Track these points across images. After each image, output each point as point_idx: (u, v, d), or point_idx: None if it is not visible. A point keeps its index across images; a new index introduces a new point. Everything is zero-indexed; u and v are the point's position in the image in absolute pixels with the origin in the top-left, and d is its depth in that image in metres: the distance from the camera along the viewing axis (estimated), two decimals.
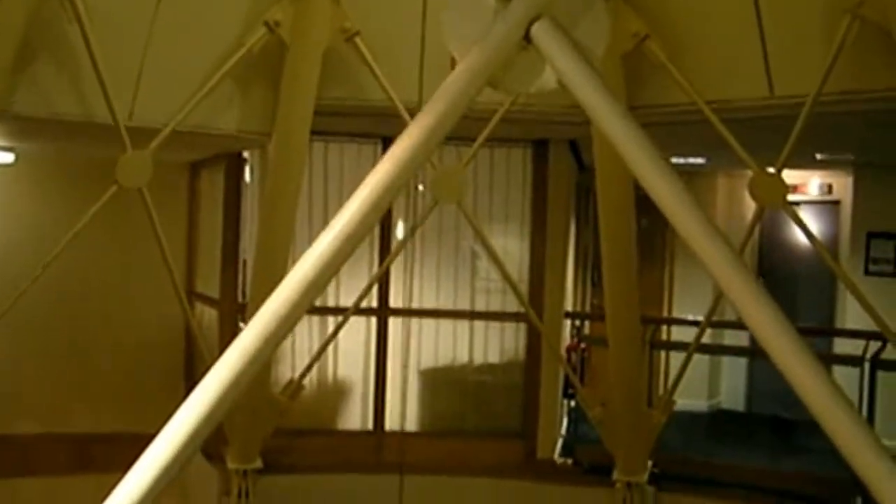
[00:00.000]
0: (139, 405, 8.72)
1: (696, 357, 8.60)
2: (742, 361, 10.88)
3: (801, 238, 10.41)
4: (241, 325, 7.61)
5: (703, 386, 10.71)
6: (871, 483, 2.71)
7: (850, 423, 2.63)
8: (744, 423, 10.62)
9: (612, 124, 2.46)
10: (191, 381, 9.28)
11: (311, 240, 2.35)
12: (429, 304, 8.63)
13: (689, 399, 10.20)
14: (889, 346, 7.19)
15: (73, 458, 8.98)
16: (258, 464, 7.85)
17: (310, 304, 2.36)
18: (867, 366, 7.55)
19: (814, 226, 8.86)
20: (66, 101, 6.17)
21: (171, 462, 2.41)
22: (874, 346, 7.63)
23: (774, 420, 10.26)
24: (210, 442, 8.17)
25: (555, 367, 8.30)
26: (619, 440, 7.37)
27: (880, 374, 7.59)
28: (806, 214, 9.47)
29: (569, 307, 9.04)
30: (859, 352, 7.82)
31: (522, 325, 8.49)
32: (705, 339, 9.07)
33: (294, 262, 2.41)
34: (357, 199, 2.35)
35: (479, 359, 8.73)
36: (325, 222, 2.36)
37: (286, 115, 6.77)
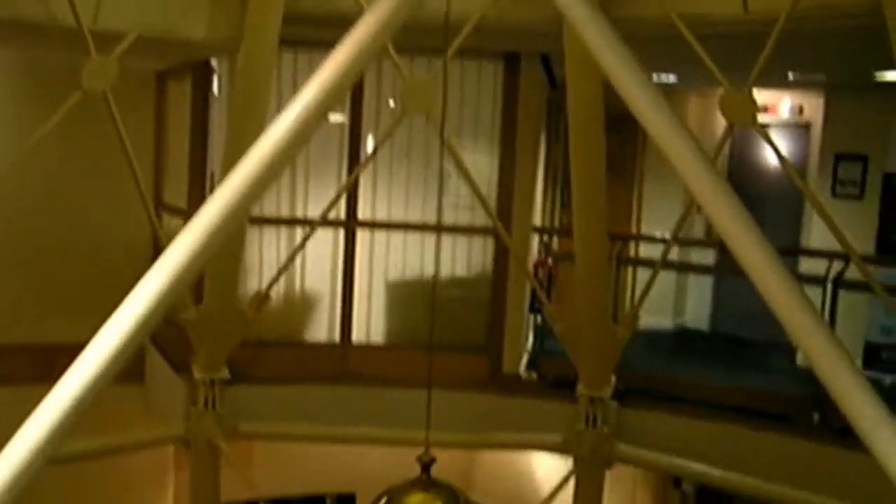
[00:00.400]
0: (106, 315, 8.68)
1: (663, 276, 8.66)
2: (707, 282, 10.97)
3: (770, 159, 10.47)
4: None
5: (668, 305, 10.80)
6: (836, 392, 2.75)
7: (816, 331, 2.67)
8: (708, 342, 10.75)
9: (589, 29, 2.43)
10: None
11: None
12: (397, 217, 8.61)
13: (655, 317, 10.30)
14: (851, 266, 7.27)
15: (39, 368, 8.94)
16: (225, 374, 7.88)
17: (246, 210, 2.33)
18: (830, 286, 7.62)
19: (784, 147, 8.87)
20: (29, 1, 6.03)
21: (104, 369, 2.41)
22: (837, 266, 7.70)
23: (737, 340, 10.40)
24: (176, 352, 8.22)
25: (522, 282, 8.34)
26: (584, 355, 7.46)
27: (842, 294, 7.68)
28: (777, 136, 9.46)
29: (537, 223, 9.05)
30: (823, 272, 7.90)
31: (490, 240, 8.50)
32: (673, 258, 9.17)
33: None
34: (297, 105, 2.32)
35: (446, 273, 8.75)
36: None
37: (255, 23, 6.65)
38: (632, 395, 7.98)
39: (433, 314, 6.85)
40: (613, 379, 7.80)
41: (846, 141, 9.98)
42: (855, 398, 2.60)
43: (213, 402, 7.90)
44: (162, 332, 8.83)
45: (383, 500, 3.59)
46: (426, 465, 3.37)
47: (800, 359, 9.02)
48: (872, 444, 2.53)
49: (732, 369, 9.11)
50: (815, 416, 7.26)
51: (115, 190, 8.14)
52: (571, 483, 7.91)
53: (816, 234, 9.09)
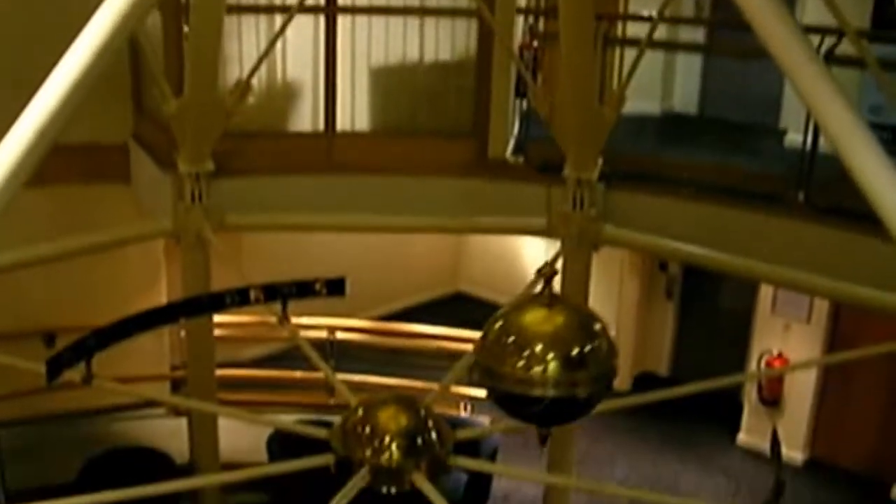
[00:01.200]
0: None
1: (651, 58, 8.50)
2: (697, 64, 10.79)
3: None
4: (185, 27, 7.34)
5: (656, 89, 10.65)
6: (845, 153, 2.73)
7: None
8: (696, 126, 10.67)
9: None
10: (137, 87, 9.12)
11: None
12: (379, 1, 8.37)
13: (642, 102, 10.18)
14: (844, 42, 7.11)
15: None
16: (209, 167, 7.82)
17: None
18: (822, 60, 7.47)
19: None
20: None
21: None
22: (830, 41, 7.53)
23: (726, 123, 10.34)
24: (161, 150, 8.14)
25: (507, 65, 8.17)
26: (571, 137, 7.38)
27: (833, 69, 7.55)
28: None
29: (522, 3, 8.79)
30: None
31: (474, 23, 8.28)
32: (662, 38, 8.97)
33: None
34: None
35: (430, 57, 8.57)
36: None
37: None
38: (619, 178, 7.97)
39: None
40: (600, 161, 7.76)
41: None
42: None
43: (199, 196, 7.89)
44: (146, 130, 8.77)
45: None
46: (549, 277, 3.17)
47: (787, 141, 9.00)
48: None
49: (720, 151, 9.09)
50: (801, 196, 7.28)
51: None
52: (559, 266, 8.01)
53: (811, 10, 8.85)
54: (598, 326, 3.13)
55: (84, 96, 3.41)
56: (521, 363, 2.96)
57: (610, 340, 3.11)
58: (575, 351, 2.98)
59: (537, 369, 2.94)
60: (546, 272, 3.19)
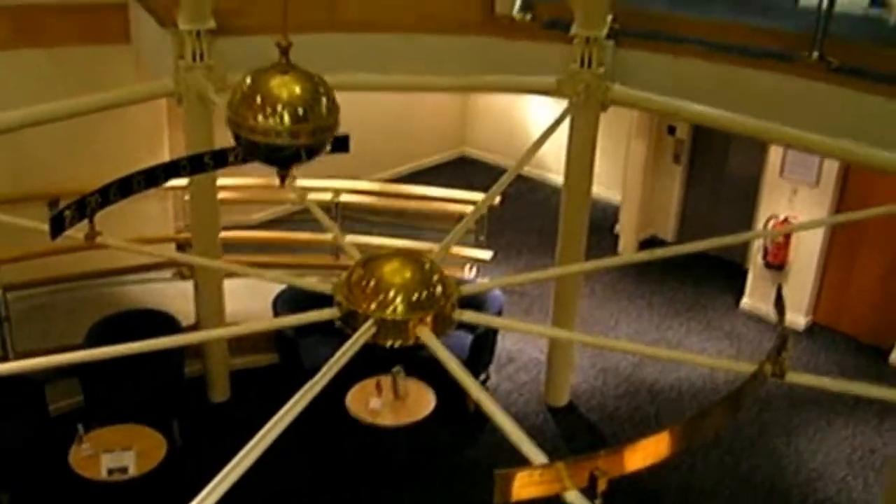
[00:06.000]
0: None
1: None
2: None
3: None
4: None
5: None
6: None
7: None
8: None
9: None
10: None
11: None
12: None
13: None
14: None
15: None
16: (211, 24, 7.69)
17: None
18: None
19: None
20: None
21: None
22: None
23: None
24: (161, 6, 7.95)
25: None
26: None
27: None
28: None
29: None
30: None
31: None
32: None
33: None
34: None
35: None
36: None
37: None
38: (628, 36, 7.80)
39: None
40: (609, 19, 7.57)
41: None
42: None
43: (200, 55, 7.75)
44: None
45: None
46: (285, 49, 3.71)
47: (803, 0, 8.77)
48: None
49: (732, 10, 8.84)
50: (815, 55, 7.11)
51: None
52: (566, 127, 7.91)
53: None
54: (322, 90, 3.67)
55: None
56: (259, 116, 3.57)
57: (332, 102, 3.69)
58: (300, 109, 3.58)
59: (272, 121, 3.57)
60: (283, 45, 3.71)
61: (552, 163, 13.40)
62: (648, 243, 12.68)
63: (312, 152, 3.75)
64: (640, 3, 8.58)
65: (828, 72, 6.99)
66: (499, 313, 9.19)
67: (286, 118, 3.58)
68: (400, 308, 3.72)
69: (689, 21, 7.99)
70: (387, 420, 8.03)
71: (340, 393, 8.06)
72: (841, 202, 10.27)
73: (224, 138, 7.70)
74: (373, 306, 3.73)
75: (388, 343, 3.78)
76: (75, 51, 8.84)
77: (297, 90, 3.63)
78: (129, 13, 9.02)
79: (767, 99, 7.25)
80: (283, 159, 3.75)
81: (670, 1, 9.53)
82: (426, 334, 3.73)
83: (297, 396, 3.40)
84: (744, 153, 11.63)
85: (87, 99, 7.79)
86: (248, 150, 3.76)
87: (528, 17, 8.20)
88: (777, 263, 10.78)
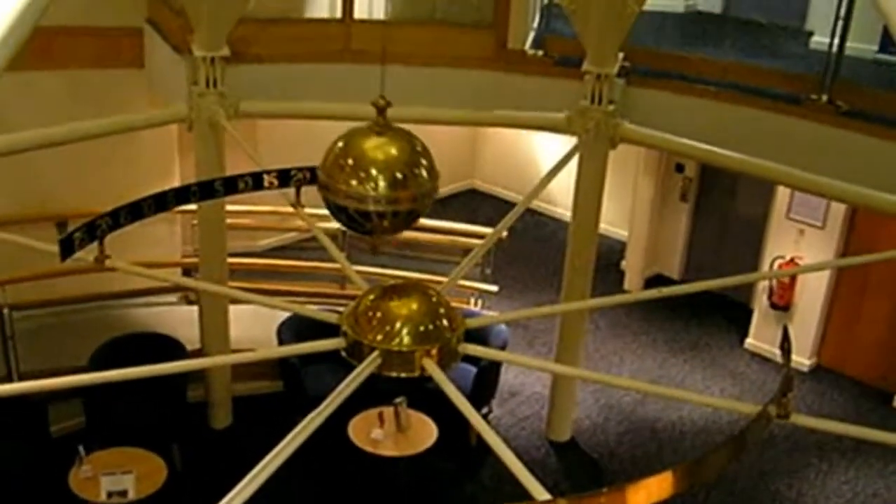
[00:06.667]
0: None
1: None
2: None
3: None
4: None
5: None
6: None
7: None
8: (719, 25, 10.46)
9: None
10: None
11: None
12: None
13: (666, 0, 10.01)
14: None
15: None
16: (225, 51, 7.74)
17: None
18: None
19: None
20: None
21: None
22: None
23: (751, 23, 10.13)
24: (176, 33, 8.02)
25: None
26: (591, 30, 7.25)
27: None
28: None
29: None
30: None
31: None
32: None
33: None
34: None
35: None
36: None
37: None
38: (638, 75, 7.85)
39: None
40: (620, 57, 7.62)
41: None
42: None
43: (213, 81, 7.81)
44: (161, 13, 8.63)
45: (339, 143, 3.67)
46: (382, 108, 3.55)
47: (813, 43, 8.83)
48: None
49: (742, 51, 8.92)
50: (823, 98, 7.16)
51: None
52: (575, 162, 7.93)
53: None
54: (422, 153, 3.54)
55: None
56: (353, 181, 3.42)
57: (432, 166, 3.54)
58: (399, 174, 3.43)
59: (368, 186, 3.41)
60: (381, 104, 3.52)
61: (560, 197, 13.43)
62: (654, 281, 12.67)
63: (410, 220, 3.59)
64: (651, 41, 8.66)
65: (836, 115, 7.03)
66: (503, 347, 9.19)
67: (383, 183, 3.43)
68: (406, 340, 3.73)
69: (699, 61, 8.05)
70: (389, 451, 8.00)
71: (343, 422, 8.05)
72: (848, 245, 10.27)
73: (234, 165, 7.79)
74: (379, 337, 3.74)
75: (394, 374, 3.79)
76: (89, 74, 8.91)
77: (394, 152, 3.50)
78: (143, 38, 9.10)
79: (775, 140, 7.28)
80: (377, 227, 3.56)
81: (681, 40, 9.63)
82: (431, 366, 3.74)
83: (300, 425, 3.41)
84: (751, 193, 11.65)
85: (99, 122, 7.84)
86: (341, 217, 3.56)
87: (541, 53, 8.26)
88: (783, 304, 10.77)
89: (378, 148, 3.49)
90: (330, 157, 3.53)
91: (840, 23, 7.15)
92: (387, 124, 3.51)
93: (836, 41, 7.18)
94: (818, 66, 7.40)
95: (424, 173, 3.53)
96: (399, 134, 3.53)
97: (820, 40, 8.26)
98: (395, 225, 3.57)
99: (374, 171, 3.43)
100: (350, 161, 3.46)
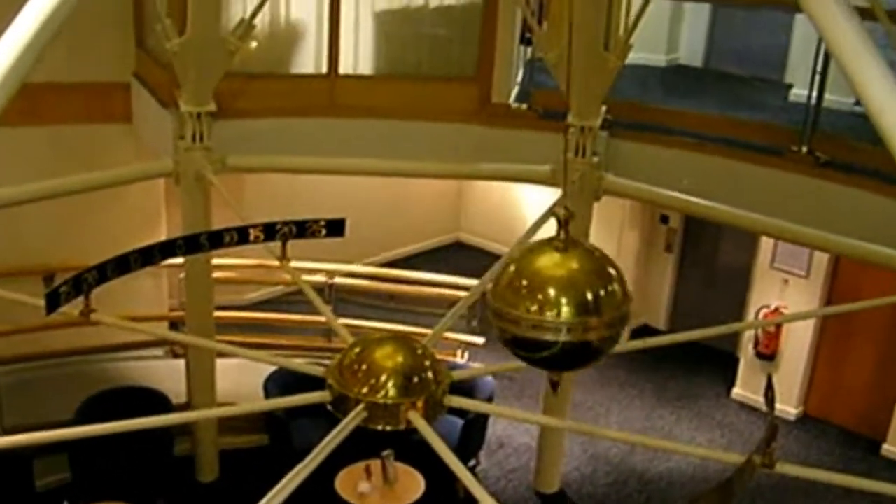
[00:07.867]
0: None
1: (657, 7, 8.41)
2: (704, 15, 10.71)
3: None
4: None
5: (661, 40, 10.58)
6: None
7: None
8: (701, 79, 10.62)
9: None
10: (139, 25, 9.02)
11: None
12: None
13: (648, 53, 10.13)
14: None
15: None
16: (211, 106, 7.80)
17: None
18: None
19: None
20: None
21: None
22: None
23: (731, 77, 10.28)
24: (163, 88, 8.10)
25: (512, 10, 8.11)
26: (575, 83, 7.34)
27: None
28: None
29: None
30: None
31: None
32: None
33: None
34: None
35: (434, 1, 8.50)
36: None
37: None
38: (622, 127, 7.94)
39: None
40: (603, 110, 7.72)
41: None
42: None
43: (200, 136, 7.86)
44: (148, 68, 8.71)
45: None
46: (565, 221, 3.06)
47: (792, 95, 8.96)
48: None
49: (724, 104, 9.05)
50: (803, 149, 7.26)
51: None
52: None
53: None
54: (612, 271, 3.07)
55: (54, 34, 3.24)
56: (534, 307, 2.93)
57: (624, 285, 3.05)
58: (589, 296, 2.93)
59: (550, 314, 2.91)
60: (563, 215, 3.04)
61: None
62: (640, 332, 12.68)
63: (602, 351, 3.10)
64: (634, 94, 8.77)
65: (816, 166, 7.12)
66: (490, 398, 9.17)
67: (569, 310, 2.93)
68: (391, 392, 3.75)
69: (681, 114, 8.17)
70: None
71: (330, 475, 8.00)
72: (832, 293, 10.34)
73: (221, 218, 7.83)
74: (364, 390, 3.75)
75: (379, 427, 3.80)
76: (76, 128, 8.95)
77: (582, 273, 3.01)
78: (131, 93, 9.17)
79: (758, 191, 7.37)
80: (563, 360, 3.12)
81: (663, 93, 9.76)
82: (417, 419, 3.75)
83: (286, 479, 3.41)
84: (735, 243, 11.73)
85: (86, 177, 7.88)
86: (519, 349, 3.16)
87: (525, 106, 8.35)
88: (768, 353, 10.80)
89: (560, 266, 3.00)
90: (503, 280, 3.07)
91: (818, 76, 7.26)
92: (571, 238, 3.04)
93: (815, 94, 7.29)
94: (798, 119, 7.51)
95: (619, 295, 3.02)
96: (583, 250, 3.10)
97: (799, 93, 8.38)
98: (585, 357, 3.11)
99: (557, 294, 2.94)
100: (526, 282, 2.99)
